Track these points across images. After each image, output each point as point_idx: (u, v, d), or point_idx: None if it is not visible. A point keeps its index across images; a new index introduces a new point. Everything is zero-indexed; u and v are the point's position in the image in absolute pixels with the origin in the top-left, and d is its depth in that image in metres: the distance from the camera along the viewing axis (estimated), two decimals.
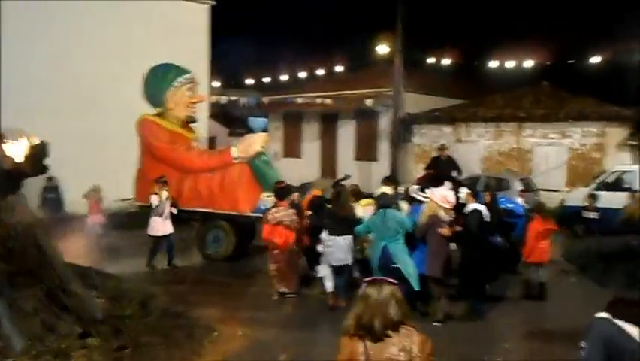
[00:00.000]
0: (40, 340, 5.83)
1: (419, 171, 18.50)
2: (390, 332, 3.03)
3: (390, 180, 11.26)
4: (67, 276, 6.79)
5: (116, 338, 6.38)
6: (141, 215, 12.09)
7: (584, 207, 13.31)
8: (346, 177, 12.74)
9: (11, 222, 6.39)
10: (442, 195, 8.40)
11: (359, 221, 8.68)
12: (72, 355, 5.78)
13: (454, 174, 14.59)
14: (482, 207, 8.81)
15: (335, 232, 8.52)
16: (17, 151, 6.72)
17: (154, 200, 10.83)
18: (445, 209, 8.26)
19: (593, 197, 13.32)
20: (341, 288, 8.64)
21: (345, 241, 8.48)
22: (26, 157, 6.74)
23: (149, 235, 10.93)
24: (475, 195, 9.19)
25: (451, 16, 28.76)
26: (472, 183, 15.88)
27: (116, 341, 6.32)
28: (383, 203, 8.33)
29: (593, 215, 12.93)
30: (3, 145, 6.75)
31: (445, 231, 8.09)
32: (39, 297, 6.26)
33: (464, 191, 9.31)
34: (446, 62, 23.12)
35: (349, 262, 8.59)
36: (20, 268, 6.25)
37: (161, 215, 10.79)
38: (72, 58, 15.62)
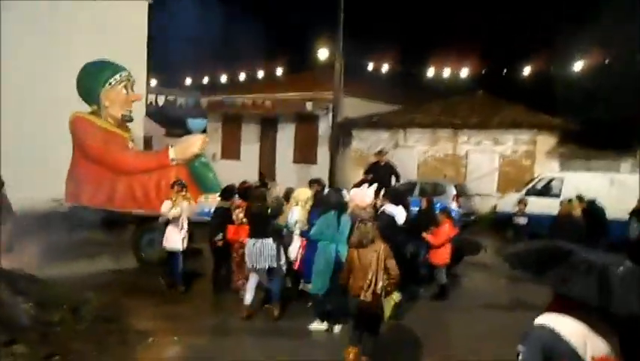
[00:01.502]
0: None
1: (357, 175, 18.67)
2: (369, 244, 6.22)
3: (317, 182, 11.12)
4: None
5: (44, 345, 6.13)
6: (72, 216, 11.69)
7: (514, 213, 13.75)
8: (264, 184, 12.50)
9: None
10: (360, 195, 8.92)
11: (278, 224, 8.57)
12: None
13: (393, 179, 14.77)
14: (393, 210, 9.08)
15: (252, 234, 8.25)
16: None
17: (165, 207, 9.49)
18: (363, 208, 8.59)
19: (522, 203, 13.78)
20: (276, 295, 8.39)
21: (262, 244, 8.14)
22: None
23: (165, 249, 9.64)
24: (393, 198, 9.50)
25: (391, 23, 29.21)
26: (408, 188, 16.22)
27: (45, 348, 6.08)
28: (336, 206, 8.10)
29: (522, 220, 13.38)
30: None
31: None
32: None
33: (381, 193, 9.67)
34: (385, 68, 23.43)
35: (272, 265, 8.19)
36: None
37: (176, 225, 9.47)
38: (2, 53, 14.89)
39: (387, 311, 6.23)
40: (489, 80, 22.52)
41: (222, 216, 9.38)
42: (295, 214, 8.75)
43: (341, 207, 8.23)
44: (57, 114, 12.62)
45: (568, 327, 2.95)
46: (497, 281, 11.43)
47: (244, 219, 8.88)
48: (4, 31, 14.74)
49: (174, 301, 9.11)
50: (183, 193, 9.73)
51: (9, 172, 12.83)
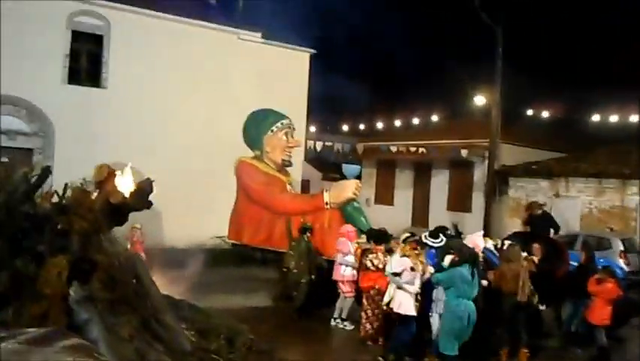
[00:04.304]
0: None
1: (514, 224, 17.98)
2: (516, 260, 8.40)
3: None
4: (161, 307, 7.13)
5: None
6: (233, 252, 12.57)
7: None
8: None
9: (114, 253, 6.85)
10: (475, 240, 9.27)
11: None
12: None
13: (551, 230, 14.11)
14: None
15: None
16: (126, 186, 7.24)
17: (400, 264, 8.08)
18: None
19: None
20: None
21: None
22: (132, 192, 7.23)
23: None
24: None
25: (552, 67, 28.11)
26: (569, 240, 15.27)
27: None
28: (471, 259, 7.83)
29: None
30: (113, 179, 7.30)
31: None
32: (134, 325, 6.58)
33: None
34: (546, 114, 22.52)
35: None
36: (119, 297, 6.64)
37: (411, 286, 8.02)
38: (174, 99, 16.37)
39: None
40: None
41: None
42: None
43: (475, 260, 7.96)
44: (223, 158, 13.73)
45: None
46: None
47: (380, 266, 8.84)
48: (172, 77, 16.24)
49: (323, 340, 9.35)
50: (417, 252, 8.40)
51: (178, 208, 14.08)
